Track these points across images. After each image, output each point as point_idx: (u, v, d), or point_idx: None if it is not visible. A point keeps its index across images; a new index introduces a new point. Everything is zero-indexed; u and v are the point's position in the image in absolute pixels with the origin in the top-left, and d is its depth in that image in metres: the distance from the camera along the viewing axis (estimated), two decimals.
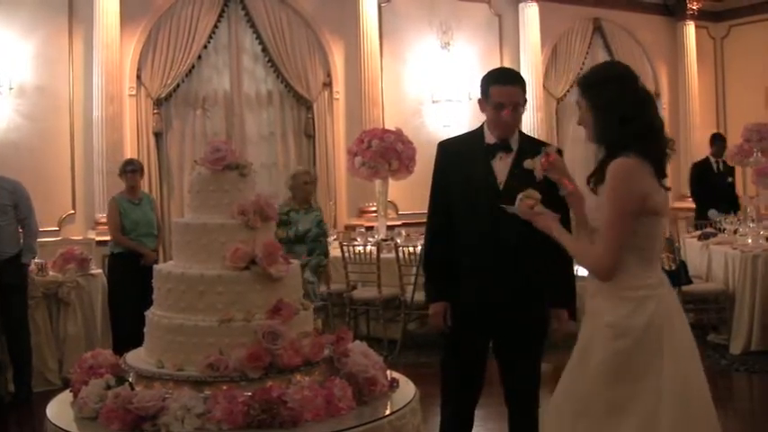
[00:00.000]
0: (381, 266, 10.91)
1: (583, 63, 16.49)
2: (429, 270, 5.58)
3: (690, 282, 10.82)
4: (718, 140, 13.99)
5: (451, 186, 5.33)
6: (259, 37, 13.47)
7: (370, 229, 13.14)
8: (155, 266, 5.19)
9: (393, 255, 10.90)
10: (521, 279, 5.13)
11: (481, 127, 5.38)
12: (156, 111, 12.67)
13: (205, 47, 13.05)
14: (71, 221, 12.15)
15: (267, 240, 4.94)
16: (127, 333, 8.22)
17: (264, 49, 13.53)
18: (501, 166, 5.22)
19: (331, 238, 11.67)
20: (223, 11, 13.19)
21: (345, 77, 14.28)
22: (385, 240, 11.79)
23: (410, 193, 13.28)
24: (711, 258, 11.27)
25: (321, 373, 4.84)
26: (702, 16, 18.21)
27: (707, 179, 13.78)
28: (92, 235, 11.90)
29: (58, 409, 4.87)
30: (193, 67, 12.97)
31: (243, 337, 4.63)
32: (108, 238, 10.37)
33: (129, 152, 12.09)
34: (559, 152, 5.35)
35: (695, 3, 17.83)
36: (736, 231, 11.53)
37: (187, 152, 12.87)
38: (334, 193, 14.12)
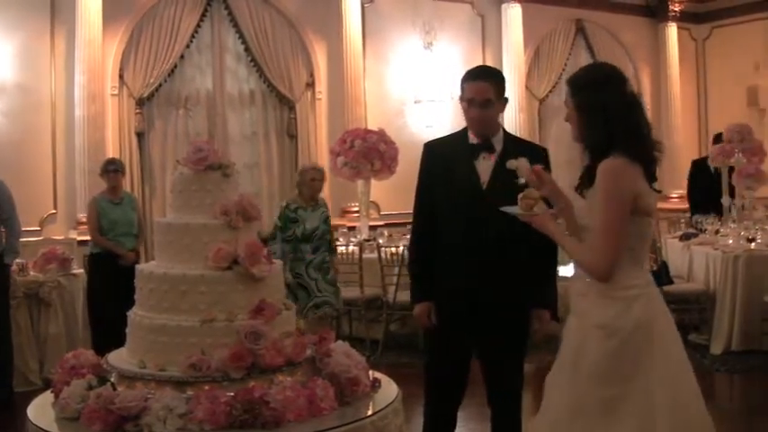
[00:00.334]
0: (364, 267, 10.92)
1: (565, 64, 16.57)
2: (414, 270, 5.58)
3: (671, 282, 10.85)
4: (719, 141, 13.87)
5: (435, 187, 5.32)
6: (242, 37, 13.45)
7: (352, 229, 13.15)
8: (137, 266, 5.18)
9: (375, 255, 10.90)
10: (503, 279, 5.11)
11: (465, 127, 5.38)
12: (138, 110, 12.63)
13: (188, 46, 13.03)
14: (52, 221, 12.11)
15: (250, 240, 4.93)
16: (106, 333, 8.20)
17: (247, 49, 13.52)
18: (484, 167, 5.20)
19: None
20: (206, 10, 13.16)
21: (328, 77, 14.28)
22: (367, 240, 11.81)
23: (393, 194, 13.30)
24: (693, 259, 11.33)
25: (303, 373, 4.84)
26: (684, 18, 18.27)
27: (703, 179, 13.71)
28: (73, 235, 11.86)
29: (40, 409, 4.85)
30: (176, 66, 12.94)
31: (225, 337, 4.62)
32: (89, 237, 10.34)
33: (112, 152, 12.05)
34: (545, 152, 5.38)
35: (677, 4, 17.89)
36: (717, 232, 11.58)
37: (169, 152, 12.84)
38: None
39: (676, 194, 17.18)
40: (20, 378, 9.08)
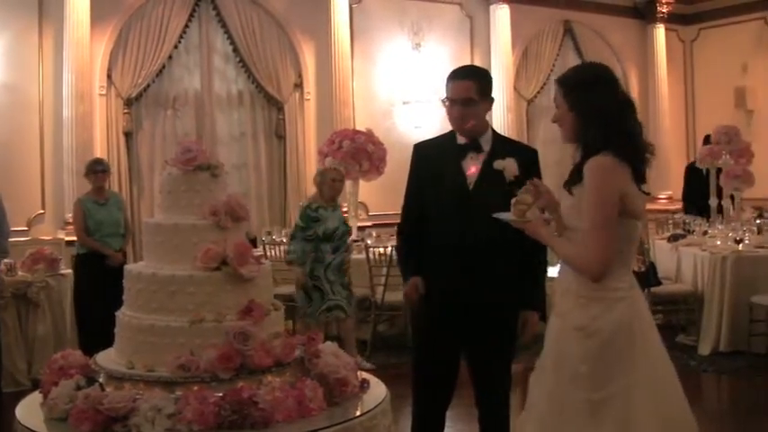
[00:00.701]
0: (352, 267, 10.90)
1: (553, 65, 16.61)
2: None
3: (659, 283, 10.87)
4: (709, 143, 13.90)
5: (424, 188, 5.31)
6: (230, 37, 13.44)
7: None
8: (125, 267, 5.17)
9: (363, 256, 10.90)
10: (491, 280, 5.10)
11: None
12: (126, 110, 12.62)
13: (176, 47, 13.02)
14: (40, 221, 12.09)
15: (238, 241, 4.93)
16: (93, 333, 8.19)
17: (235, 50, 13.51)
18: (472, 167, 5.18)
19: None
20: (194, 11, 13.15)
21: (316, 78, 14.27)
22: (356, 241, 11.78)
23: (381, 194, 13.31)
24: (681, 260, 11.35)
25: (292, 373, 4.84)
26: (672, 19, 18.31)
27: (698, 181, 13.72)
28: (61, 235, 11.83)
29: (28, 410, 4.84)
30: (164, 66, 12.93)
31: (214, 337, 4.62)
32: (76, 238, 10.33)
33: (99, 152, 12.03)
34: (535, 153, 5.37)
35: (665, 6, 17.93)
36: (705, 233, 11.61)
37: (157, 152, 12.83)
38: (305, 194, 14.07)
39: (664, 196, 17.22)
40: (8, 378, 9.06)
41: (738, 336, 10.19)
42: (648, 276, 10.40)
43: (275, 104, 13.92)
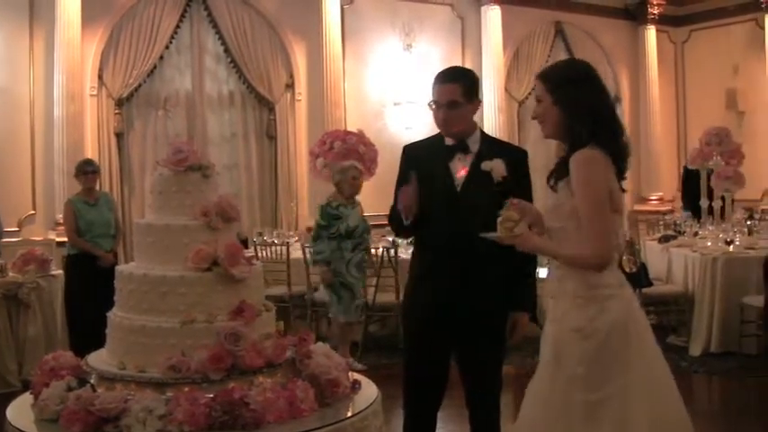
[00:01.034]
0: None
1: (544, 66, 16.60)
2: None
3: (650, 284, 10.87)
4: None
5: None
6: (221, 38, 13.46)
7: None
8: (117, 267, 5.16)
9: None
10: (481, 281, 5.09)
11: None
12: (117, 111, 12.63)
13: (167, 47, 13.03)
14: (31, 222, 12.09)
15: (229, 241, 4.93)
16: (84, 334, 8.17)
17: (227, 50, 13.53)
18: (459, 169, 5.17)
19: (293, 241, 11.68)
20: (185, 11, 13.17)
21: (308, 79, 14.29)
22: None
23: (372, 195, 13.29)
24: (672, 261, 11.35)
25: (283, 374, 4.82)
26: (663, 21, 18.34)
27: (695, 183, 13.71)
28: (52, 236, 11.82)
29: (19, 411, 4.82)
30: (155, 67, 12.95)
31: (205, 338, 4.61)
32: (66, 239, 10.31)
33: (91, 152, 12.03)
34: (525, 154, 5.37)
35: (656, 7, 17.97)
36: (696, 234, 11.63)
37: (148, 153, 12.84)
38: (296, 195, 14.10)
39: (655, 197, 17.25)
40: None
41: (729, 337, 10.21)
42: (639, 277, 10.39)
43: (266, 105, 13.94)
